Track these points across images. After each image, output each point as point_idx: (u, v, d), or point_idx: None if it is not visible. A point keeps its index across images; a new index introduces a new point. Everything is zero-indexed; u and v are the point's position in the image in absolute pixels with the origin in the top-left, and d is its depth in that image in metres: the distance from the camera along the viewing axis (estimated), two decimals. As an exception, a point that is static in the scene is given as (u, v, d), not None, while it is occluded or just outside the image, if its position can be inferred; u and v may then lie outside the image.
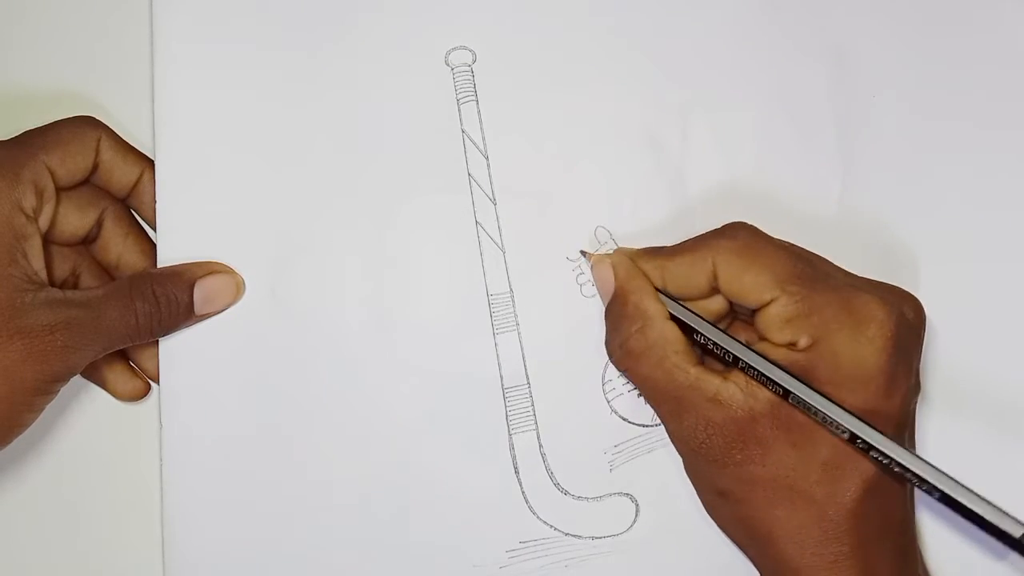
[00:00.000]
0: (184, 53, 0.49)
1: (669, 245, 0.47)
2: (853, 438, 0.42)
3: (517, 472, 0.48)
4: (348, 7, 0.50)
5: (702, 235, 0.46)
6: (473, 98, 0.49)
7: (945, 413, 0.49)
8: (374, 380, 0.48)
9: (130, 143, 0.49)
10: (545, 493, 0.48)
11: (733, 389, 0.43)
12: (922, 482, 0.41)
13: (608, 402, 0.49)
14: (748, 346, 0.44)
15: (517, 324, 0.49)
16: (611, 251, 0.48)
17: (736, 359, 0.44)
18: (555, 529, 0.48)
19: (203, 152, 0.49)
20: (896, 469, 0.41)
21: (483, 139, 0.49)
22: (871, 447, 0.41)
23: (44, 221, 0.46)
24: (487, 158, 0.49)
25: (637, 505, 0.48)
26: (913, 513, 0.46)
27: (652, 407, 0.47)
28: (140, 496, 0.49)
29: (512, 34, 0.50)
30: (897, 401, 0.43)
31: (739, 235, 0.45)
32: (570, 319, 0.49)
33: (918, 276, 0.49)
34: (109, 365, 0.49)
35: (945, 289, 0.49)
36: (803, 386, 0.42)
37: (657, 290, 0.46)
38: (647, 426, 0.49)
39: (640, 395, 0.47)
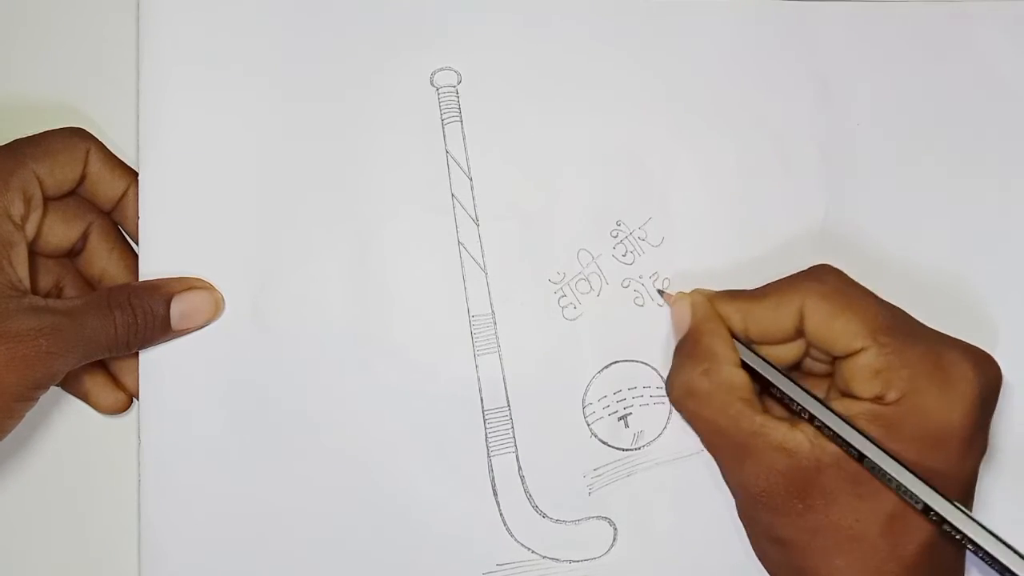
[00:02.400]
0: (170, 71, 0.50)
1: (749, 289, 0.47)
2: (927, 510, 0.42)
3: (496, 494, 0.49)
4: (333, 27, 0.51)
5: (789, 277, 0.47)
6: (458, 119, 0.50)
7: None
8: (354, 400, 0.49)
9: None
10: (523, 516, 0.49)
11: (800, 438, 0.43)
12: (994, 562, 0.41)
13: (588, 425, 0.49)
14: (826, 404, 0.44)
15: (498, 346, 0.49)
16: (687, 292, 0.49)
17: (811, 415, 0.44)
18: (533, 552, 0.49)
19: (187, 169, 0.49)
20: (969, 547, 0.42)
21: (467, 160, 0.50)
22: (944, 520, 0.42)
23: (31, 229, 0.47)
24: (471, 179, 0.50)
25: (615, 529, 0.49)
26: (963, 571, 0.46)
27: (709, 450, 0.47)
28: (118, 510, 0.50)
29: (497, 56, 0.51)
30: (970, 464, 0.43)
31: (829, 279, 0.45)
32: (552, 342, 0.50)
33: (901, 303, 0.50)
34: (91, 377, 0.49)
35: (927, 321, 0.50)
36: (881, 452, 0.42)
37: (735, 336, 0.46)
38: (626, 450, 0.49)
39: (692, 432, 0.48)
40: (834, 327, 0.44)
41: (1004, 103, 0.52)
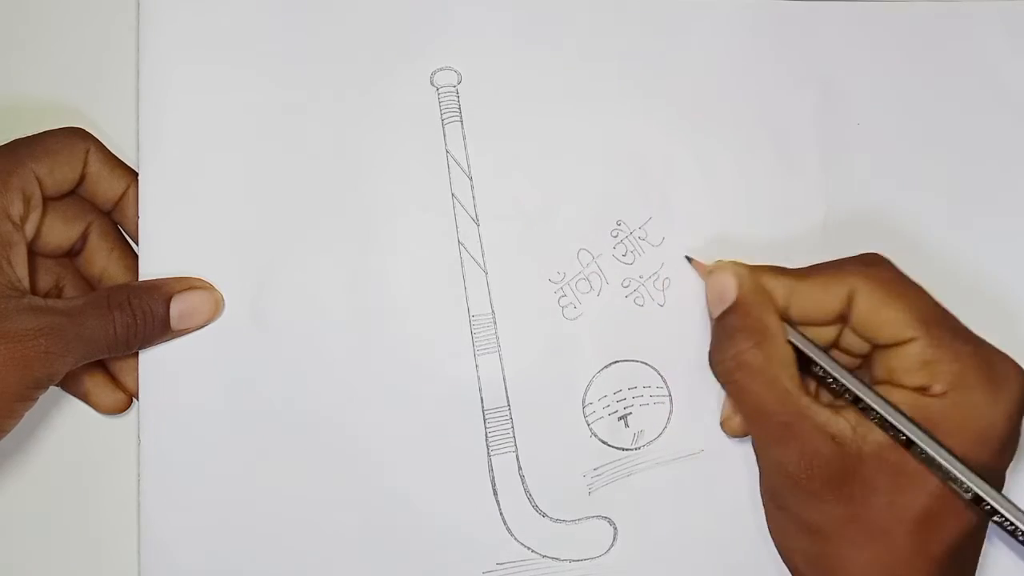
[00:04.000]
0: (170, 71, 0.50)
1: (797, 268, 0.47)
2: (977, 500, 0.42)
3: (496, 494, 0.49)
4: (333, 27, 0.51)
5: (840, 260, 0.46)
6: (458, 119, 0.51)
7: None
8: (354, 399, 0.49)
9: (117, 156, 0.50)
10: (523, 515, 0.49)
11: (844, 425, 0.44)
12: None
13: (588, 425, 0.50)
14: (872, 388, 0.44)
15: (498, 346, 0.50)
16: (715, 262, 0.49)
17: (856, 398, 0.44)
18: (533, 551, 0.49)
19: (187, 169, 0.50)
20: (1019, 537, 0.42)
21: (467, 160, 0.50)
22: (995, 511, 0.42)
23: (30, 229, 0.47)
24: (471, 179, 0.50)
25: (615, 528, 0.49)
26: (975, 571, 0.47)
27: (750, 427, 0.47)
28: (118, 510, 0.50)
29: (497, 56, 0.51)
30: (1004, 463, 0.44)
31: (883, 267, 0.45)
32: (552, 341, 0.50)
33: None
34: (91, 377, 0.50)
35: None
36: (929, 439, 0.43)
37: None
38: (626, 449, 0.50)
39: (736, 410, 0.48)
40: (884, 315, 0.44)
41: (1004, 103, 0.52)
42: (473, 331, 0.50)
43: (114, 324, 0.46)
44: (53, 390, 0.48)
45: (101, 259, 0.50)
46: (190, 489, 0.49)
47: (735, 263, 0.47)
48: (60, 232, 0.49)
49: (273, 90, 0.51)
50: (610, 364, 0.50)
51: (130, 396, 0.50)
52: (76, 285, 0.50)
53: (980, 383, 0.43)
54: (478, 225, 0.50)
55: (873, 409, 0.43)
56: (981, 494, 0.42)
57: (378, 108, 0.51)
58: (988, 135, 0.52)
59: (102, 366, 0.50)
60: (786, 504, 0.46)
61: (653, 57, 0.52)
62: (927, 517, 0.43)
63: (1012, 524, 0.42)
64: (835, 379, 0.45)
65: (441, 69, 0.51)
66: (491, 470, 0.49)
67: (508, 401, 0.50)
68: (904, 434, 0.43)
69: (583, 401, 0.50)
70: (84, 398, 0.50)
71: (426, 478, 0.49)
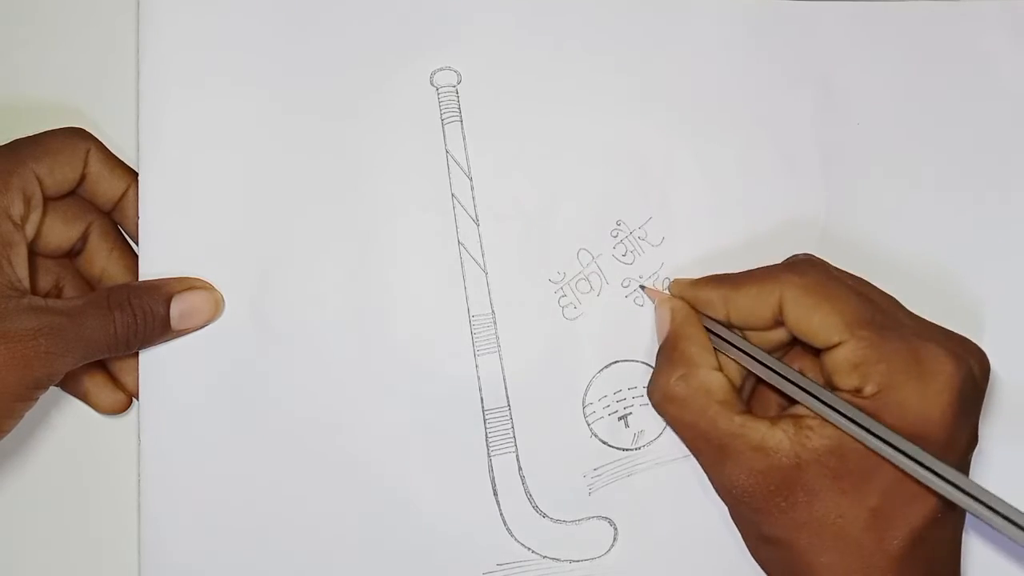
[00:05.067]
0: (170, 70, 0.50)
1: (733, 273, 0.48)
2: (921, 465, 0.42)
3: (496, 494, 0.49)
4: (333, 27, 0.51)
5: (770, 267, 0.47)
6: (457, 119, 0.51)
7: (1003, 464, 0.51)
8: (354, 400, 0.50)
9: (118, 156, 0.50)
10: (524, 515, 0.49)
11: (780, 436, 0.44)
12: (982, 506, 0.41)
13: (588, 425, 0.50)
14: (808, 383, 0.44)
15: (498, 346, 0.50)
16: (667, 287, 0.50)
17: (791, 400, 0.45)
18: (533, 552, 0.49)
19: (187, 169, 0.50)
20: (960, 495, 0.42)
21: (467, 160, 0.51)
22: (939, 475, 0.42)
23: (30, 229, 0.47)
24: (471, 179, 0.51)
25: (615, 529, 0.50)
26: (959, 567, 0.47)
27: (693, 454, 0.48)
28: (118, 510, 0.51)
29: (497, 56, 0.51)
30: (955, 457, 0.44)
31: (809, 272, 0.46)
32: (552, 342, 0.50)
33: (902, 302, 0.51)
34: (91, 377, 0.50)
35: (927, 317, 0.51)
36: (873, 420, 0.43)
37: (719, 323, 0.47)
38: (627, 450, 0.50)
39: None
40: (812, 320, 0.45)
41: (1004, 103, 0.52)
42: (473, 331, 0.50)
43: (114, 324, 0.46)
44: (53, 390, 0.49)
45: (101, 259, 0.50)
46: (190, 489, 0.49)
47: (675, 296, 0.49)
48: (60, 232, 0.49)
49: (273, 90, 0.51)
50: (610, 364, 0.50)
51: (130, 396, 0.50)
52: (76, 285, 0.50)
53: (908, 380, 0.43)
54: (478, 225, 0.51)
55: (814, 396, 0.44)
56: (923, 462, 0.42)
57: (378, 108, 0.51)
58: (988, 134, 0.52)
59: (102, 366, 0.50)
60: (744, 522, 0.47)
61: (653, 57, 0.52)
62: (879, 514, 0.43)
63: (953, 485, 0.42)
64: (781, 378, 0.45)
65: (441, 69, 0.51)
66: (491, 470, 0.50)
67: (508, 401, 0.50)
68: (850, 419, 0.43)
69: (583, 401, 0.50)
70: (84, 398, 0.51)
71: (426, 478, 0.50)
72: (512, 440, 0.50)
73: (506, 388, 0.50)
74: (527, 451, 0.50)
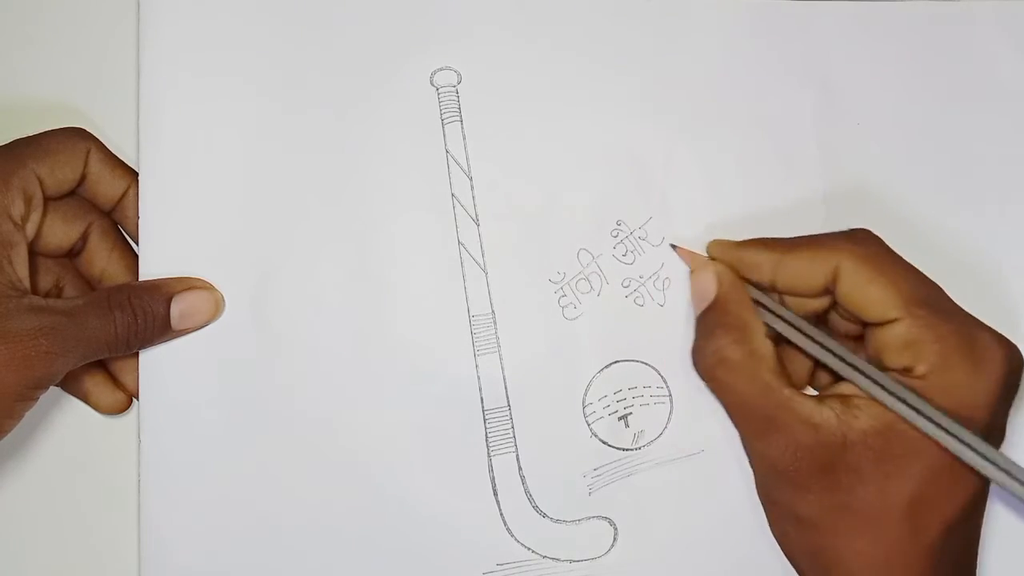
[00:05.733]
0: (170, 70, 0.51)
1: (784, 237, 0.47)
2: (977, 457, 0.42)
3: (496, 494, 0.50)
4: (333, 26, 0.51)
5: (829, 234, 0.47)
6: (458, 119, 0.51)
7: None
8: (354, 400, 0.50)
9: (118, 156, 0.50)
10: (524, 516, 0.50)
11: (828, 413, 0.44)
12: None
13: (588, 425, 0.50)
14: (859, 361, 0.44)
15: (498, 346, 0.50)
16: (706, 248, 0.50)
17: (838, 377, 0.45)
18: (533, 552, 0.49)
19: (187, 169, 0.50)
20: (1004, 477, 0.42)
21: (467, 160, 0.51)
22: (986, 459, 0.42)
23: (31, 229, 0.47)
24: (471, 179, 0.51)
25: (615, 529, 0.50)
26: (977, 555, 0.47)
27: (735, 422, 0.47)
28: (118, 510, 0.51)
29: (497, 55, 0.52)
30: (994, 444, 0.43)
31: (869, 244, 0.46)
32: (552, 341, 0.50)
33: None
34: (91, 377, 0.50)
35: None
36: (922, 401, 0.43)
37: (762, 290, 0.47)
38: (627, 450, 0.50)
39: (723, 408, 0.48)
40: (869, 293, 0.44)
41: (1004, 103, 0.53)
42: (473, 331, 0.50)
43: (115, 324, 0.46)
44: (53, 390, 0.49)
45: (101, 259, 0.50)
46: (190, 489, 0.49)
47: (715, 246, 0.49)
48: (60, 232, 0.49)
49: (273, 90, 0.51)
50: (610, 364, 0.51)
51: (130, 396, 0.51)
52: (76, 285, 0.51)
53: (961, 363, 0.43)
54: (478, 225, 0.51)
55: (864, 374, 0.44)
56: (979, 450, 0.42)
57: (378, 108, 0.51)
58: (988, 134, 0.53)
59: (102, 366, 0.50)
60: (778, 499, 0.46)
61: (653, 57, 0.52)
62: (917, 502, 0.43)
63: (1010, 475, 0.42)
64: (830, 352, 0.45)
65: (441, 69, 0.51)
66: (491, 470, 0.50)
67: (508, 401, 0.50)
68: (898, 397, 0.43)
69: (583, 401, 0.50)
70: (84, 398, 0.51)
71: (426, 478, 0.50)
72: (512, 440, 0.50)
73: (506, 388, 0.50)
74: (527, 451, 0.50)
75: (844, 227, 0.51)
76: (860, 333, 0.47)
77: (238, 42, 0.51)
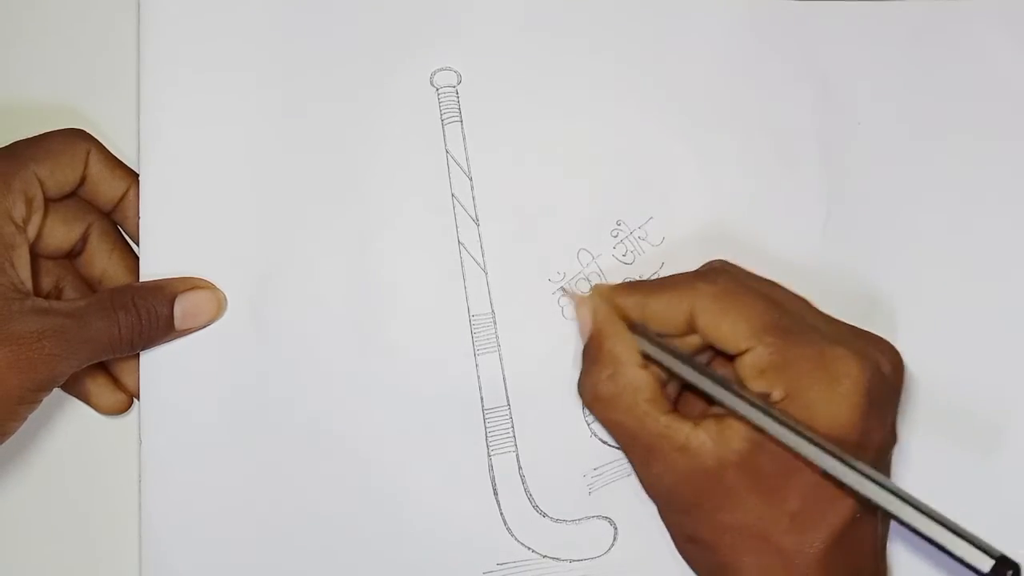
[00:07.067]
0: (170, 71, 0.51)
1: (650, 280, 0.49)
2: (840, 461, 0.42)
3: (496, 494, 0.50)
4: (333, 27, 0.51)
5: (682, 275, 0.48)
6: (457, 119, 0.51)
7: (925, 461, 0.51)
8: (354, 399, 0.50)
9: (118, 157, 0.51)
10: (524, 515, 0.50)
11: (703, 437, 0.44)
12: (895, 498, 0.42)
13: (588, 425, 0.50)
14: (726, 383, 0.44)
15: (498, 345, 0.50)
16: (589, 289, 0.50)
17: (711, 400, 0.45)
18: (533, 551, 0.50)
19: (187, 169, 0.50)
20: (871, 496, 0.42)
21: (467, 160, 0.51)
22: (857, 471, 0.42)
23: (32, 231, 0.47)
24: (471, 179, 0.51)
25: (616, 528, 0.50)
26: (884, 563, 0.47)
27: (624, 453, 0.48)
28: (118, 510, 0.51)
29: (498, 56, 0.52)
30: (869, 457, 0.44)
31: (719, 279, 0.46)
32: (551, 341, 0.51)
33: (901, 301, 0.52)
34: (92, 378, 0.50)
35: (927, 321, 0.51)
36: (789, 417, 0.43)
37: (636, 326, 0.47)
38: (627, 449, 0.51)
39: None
40: (721, 327, 0.45)
41: (1004, 103, 0.53)
42: (473, 331, 0.51)
43: (118, 325, 0.47)
44: (54, 391, 0.48)
45: (101, 260, 0.50)
46: (190, 489, 0.50)
47: (594, 291, 0.49)
48: (61, 233, 0.49)
49: (273, 90, 0.51)
50: (610, 364, 0.51)
51: (131, 397, 0.51)
52: (76, 286, 0.51)
53: (815, 384, 0.43)
54: (478, 225, 0.51)
55: (726, 402, 0.44)
56: (840, 457, 0.42)
57: (378, 108, 0.51)
58: (989, 132, 0.53)
59: (103, 367, 0.50)
60: (671, 522, 0.47)
61: (653, 57, 0.52)
62: (798, 517, 0.43)
63: (867, 476, 0.42)
64: (691, 383, 0.45)
65: (441, 69, 0.52)
66: (491, 470, 0.50)
67: (508, 401, 0.50)
68: (755, 423, 0.43)
69: (583, 401, 0.51)
70: (85, 399, 0.51)
71: (426, 478, 0.50)
72: (512, 439, 0.50)
73: (506, 387, 0.50)
74: (527, 451, 0.50)
75: (844, 226, 0.52)
76: None
77: (238, 43, 0.51)
